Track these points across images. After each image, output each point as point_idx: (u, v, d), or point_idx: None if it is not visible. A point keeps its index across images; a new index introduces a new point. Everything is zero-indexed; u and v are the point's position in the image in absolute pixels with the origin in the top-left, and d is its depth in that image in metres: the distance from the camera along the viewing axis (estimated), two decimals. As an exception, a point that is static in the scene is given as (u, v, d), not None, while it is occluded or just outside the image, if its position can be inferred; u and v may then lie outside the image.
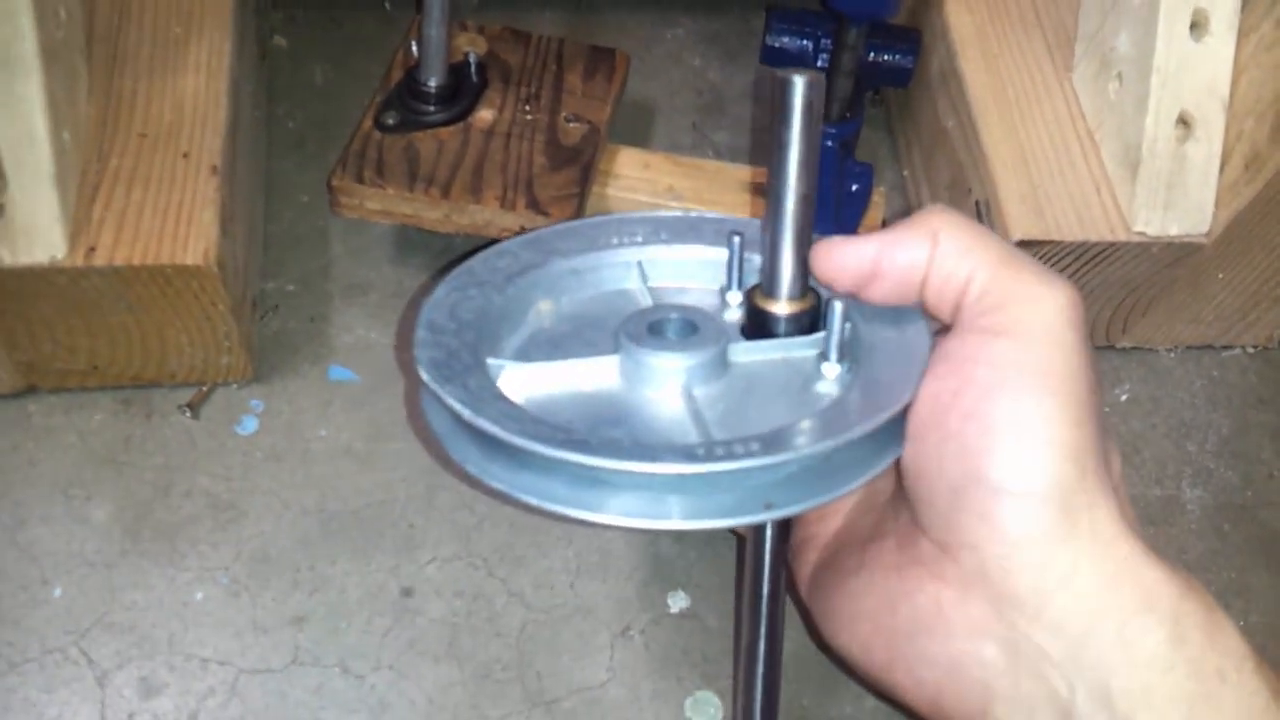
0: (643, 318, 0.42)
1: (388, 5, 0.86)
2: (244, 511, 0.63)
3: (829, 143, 0.69)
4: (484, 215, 0.63)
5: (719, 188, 0.69)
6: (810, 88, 0.38)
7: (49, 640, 0.59)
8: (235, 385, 0.67)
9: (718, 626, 0.61)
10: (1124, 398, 0.71)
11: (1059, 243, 0.62)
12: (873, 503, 0.43)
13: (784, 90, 0.38)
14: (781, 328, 0.42)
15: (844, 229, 0.66)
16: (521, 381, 0.41)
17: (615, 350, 0.41)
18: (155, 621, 0.59)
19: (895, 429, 0.38)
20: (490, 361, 0.41)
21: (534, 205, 0.63)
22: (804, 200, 0.40)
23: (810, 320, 0.42)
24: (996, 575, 0.34)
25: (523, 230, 0.63)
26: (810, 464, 0.37)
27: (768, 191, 0.40)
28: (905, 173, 0.79)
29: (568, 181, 0.64)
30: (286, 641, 0.59)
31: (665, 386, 0.40)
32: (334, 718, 0.57)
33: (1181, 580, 0.34)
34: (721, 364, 0.41)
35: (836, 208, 0.66)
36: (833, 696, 0.58)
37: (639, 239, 0.46)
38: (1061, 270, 0.64)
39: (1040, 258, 0.63)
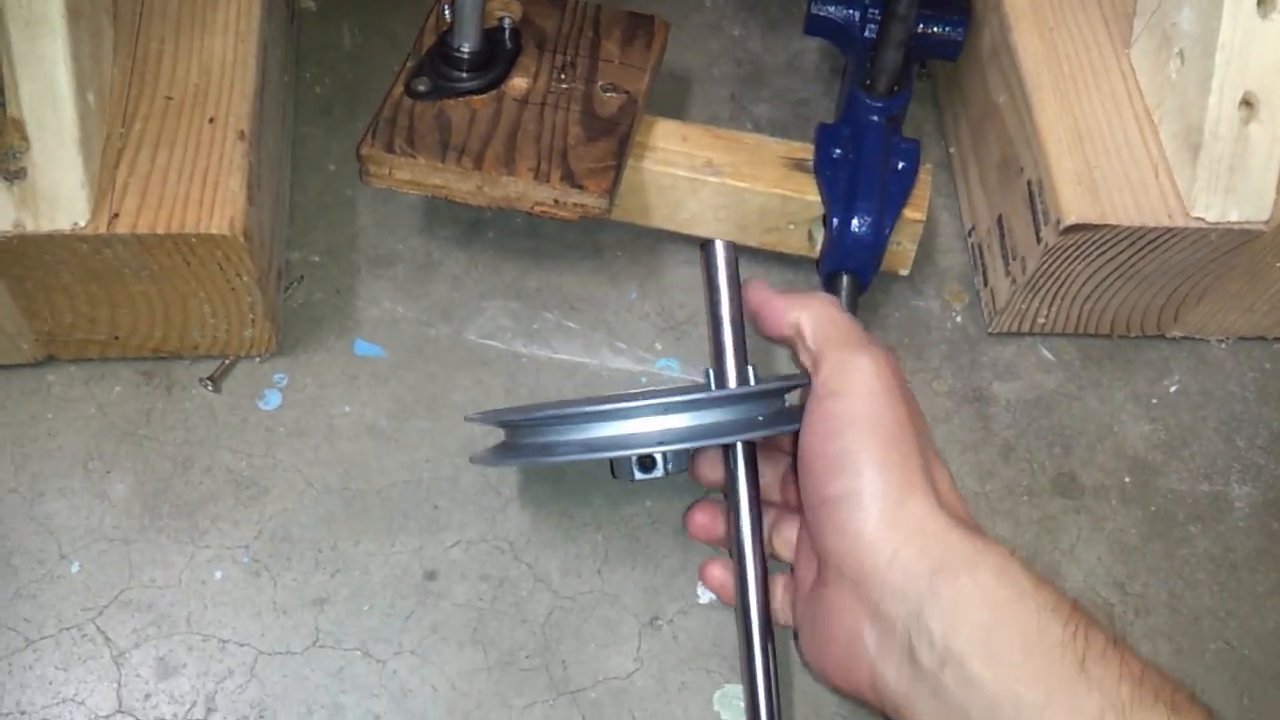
0: None
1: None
2: (266, 489, 0.61)
3: (875, 117, 0.66)
4: (517, 187, 0.61)
5: (758, 162, 0.67)
6: (728, 249, 0.51)
7: (66, 617, 0.57)
8: (258, 358, 0.65)
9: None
10: (1173, 389, 0.69)
11: (1114, 227, 0.60)
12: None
13: (706, 254, 0.52)
14: None
15: (891, 206, 0.64)
16: None
17: None
18: (174, 600, 0.58)
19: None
20: None
21: (569, 178, 0.61)
22: (737, 340, 0.52)
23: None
24: (852, 568, 0.45)
25: (556, 204, 0.61)
26: (769, 409, 0.51)
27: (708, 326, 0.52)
28: (952, 149, 0.76)
29: (604, 154, 0.62)
30: (307, 623, 0.58)
31: None
32: (354, 702, 0.56)
33: (979, 540, 0.44)
34: None
35: (883, 185, 0.64)
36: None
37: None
38: (1115, 256, 0.62)
39: (1094, 242, 0.61)
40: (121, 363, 0.64)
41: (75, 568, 0.58)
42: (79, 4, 0.55)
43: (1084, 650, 0.41)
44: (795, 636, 0.52)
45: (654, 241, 0.71)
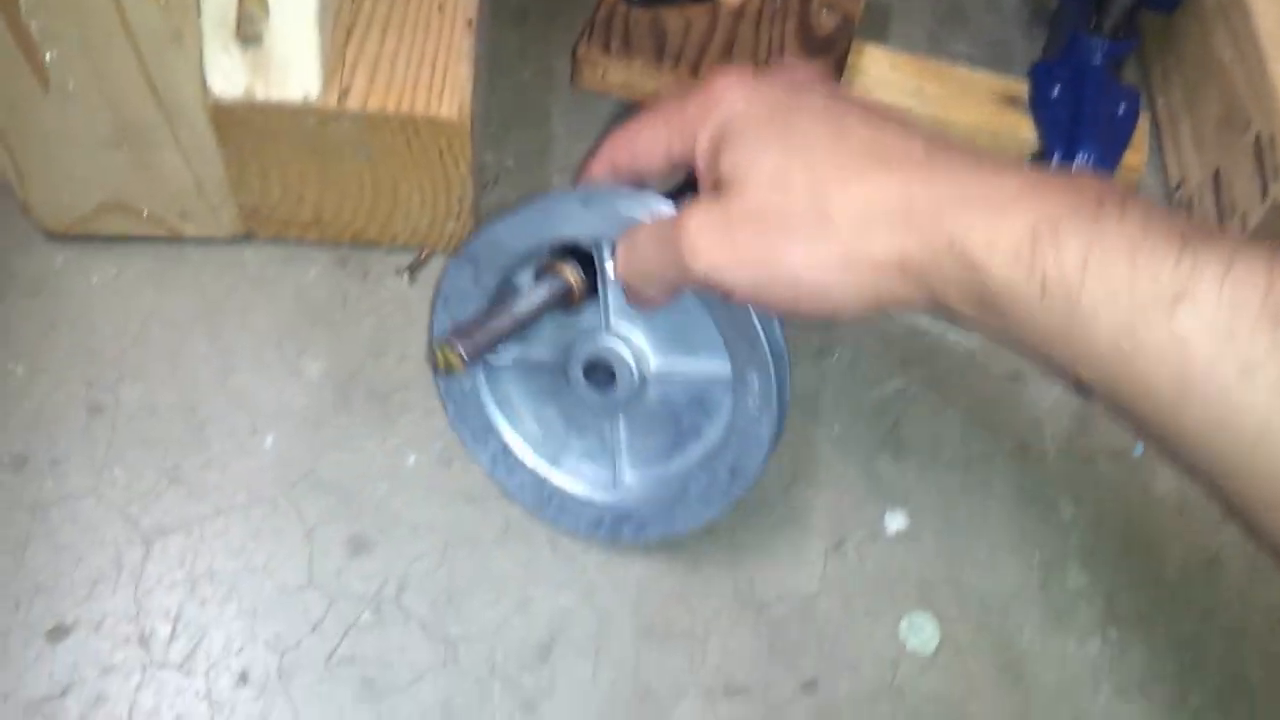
0: None
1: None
2: (458, 381, 0.61)
3: (1098, 60, 0.64)
4: (732, 98, 0.60)
5: (968, 95, 0.65)
6: None
7: (257, 490, 0.58)
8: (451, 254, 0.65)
9: (936, 549, 0.58)
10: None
11: (1351, 185, 0.58)
12: None
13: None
14: None
15: (1113, 149, 0.62)
16: None
17: None
18: (364, 483, 0.58)
19: None
20: None
21: (786, 92, 0.60)
22: None
23: None
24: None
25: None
26: None
27: None
28: (1160, 101, 0.74)
29: (823, 70, 0.61)
30: (497, 514, 0.58)
31: None
32: (542, 594, 0.56)
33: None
34: None
35: (1105, 128, 0.62)
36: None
37: None
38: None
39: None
40: (318, 248, 0.64)
41: (268, 442, 0.59)
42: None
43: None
44: None
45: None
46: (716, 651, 0.56)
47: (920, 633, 0.56)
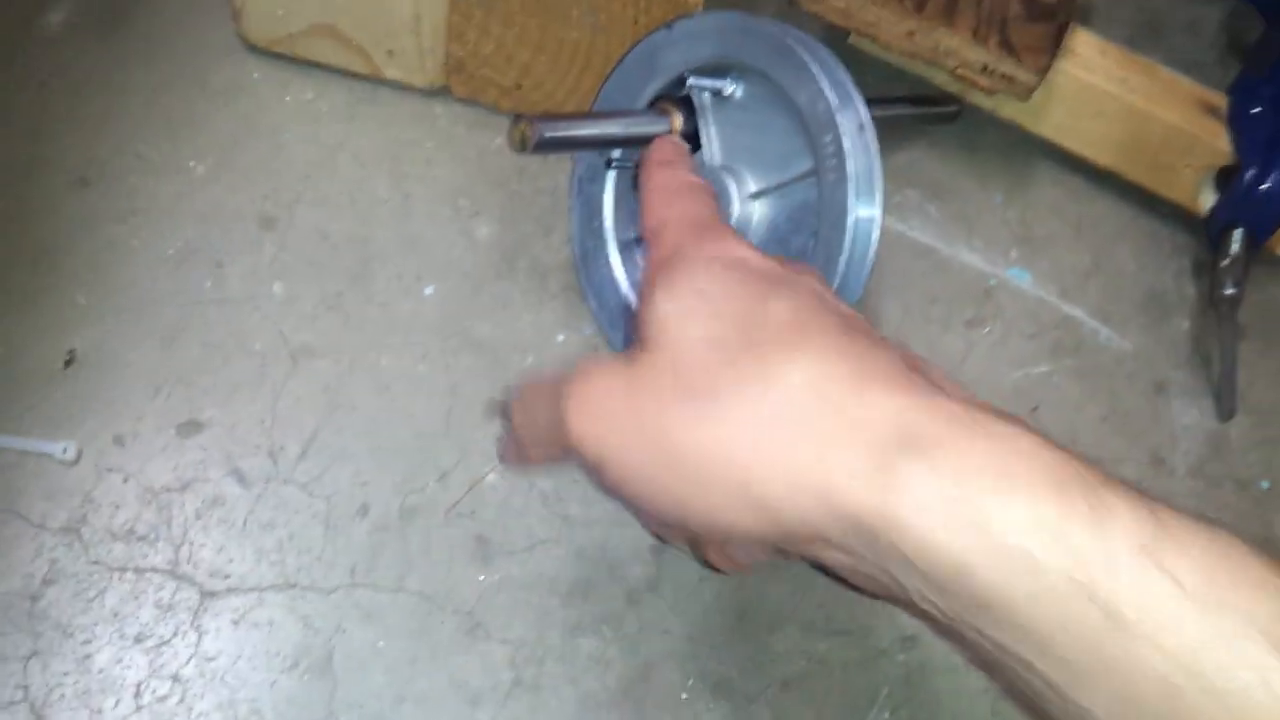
0: None
1: None
2: (620, 270, 0.61)
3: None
4: (950, 42, 0.60)
5: (1171, 95, 0.65)
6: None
7: (411, 334, 0.58)
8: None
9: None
10: None
11: None
12: None
13: None
14: None
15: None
16: None
17: None
18: (513, 350, 0.58)
19: None
20: None
21: (1006, 45, 0.59)
22: None
23: None
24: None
25: (985, 69, 0.60)
26: None
27: None
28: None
29: (1043, 36, 0.61)
30: (642, 404, 0.58)
31: None
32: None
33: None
34: None
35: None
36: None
37: None
38: None
39: None
40: (506, 118, 0.64)
41: (428, 290, 0.59)
42: None
43: (1106, 585, 0.29)
44: None
45: (1028, 155, 0.69)
46: (822, 589, 0.56)
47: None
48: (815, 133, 0.48)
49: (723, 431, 0.33)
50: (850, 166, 0.47)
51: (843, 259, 0.48)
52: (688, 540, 0.42)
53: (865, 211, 0.48)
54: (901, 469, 0.31)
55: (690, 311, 0.36)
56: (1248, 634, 0.28)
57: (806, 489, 0.32)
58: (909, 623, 0.55)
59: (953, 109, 0.67)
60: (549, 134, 0.47)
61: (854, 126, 0.47)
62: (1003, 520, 0.30)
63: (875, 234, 0.48)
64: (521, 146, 0.47)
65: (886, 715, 0.54)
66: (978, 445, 0.31)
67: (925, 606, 0.32)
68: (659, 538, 0.43)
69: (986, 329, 0.65)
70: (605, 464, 0.35)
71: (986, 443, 0.31)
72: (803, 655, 0.54)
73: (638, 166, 0.47)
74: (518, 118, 0.46)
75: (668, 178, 0.43)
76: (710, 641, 0.54)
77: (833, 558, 0.34)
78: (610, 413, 0.35)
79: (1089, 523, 0.30)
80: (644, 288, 0.37)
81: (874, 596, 0.35)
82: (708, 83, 0.51)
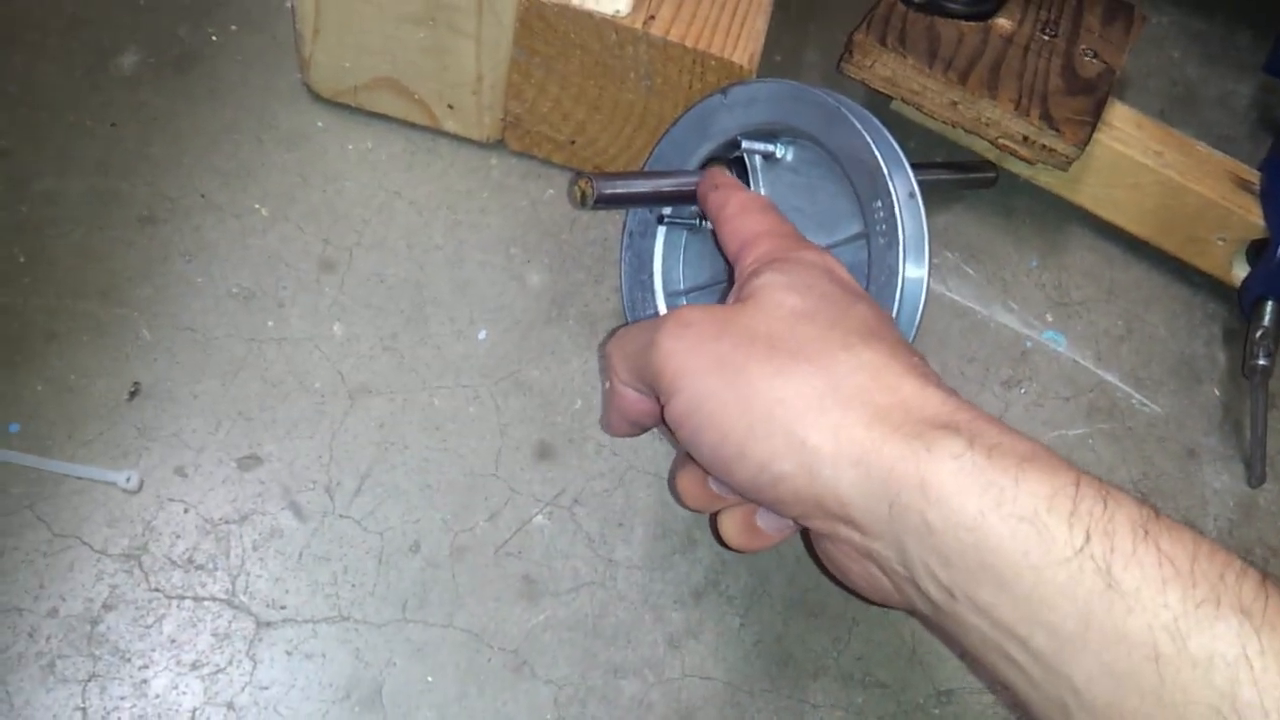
0: None
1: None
2: (668, 322, 0.63)
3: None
4: (993, 114, 0.62)
5: (1206, 169, 0.67)
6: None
7: (463, 376, 0.60)
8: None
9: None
10: None
11: None
12: None
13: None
14: None
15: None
16: None
17: None
18: (562, 394, 0.60)
19: None
20: None
21: (1047, 118, 0.61)
22: None
23: None
24: (816, 527, 0.40)
25: (1025, 140, 0.62)
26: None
27: None
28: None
29: (1083, 109, 0.63)
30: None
31: None
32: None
33: (917, 437, 0.37)
34: None
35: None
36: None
37: None
38: None
39: None
40: (558, 170, 0.66)
41: (481, 334, 0.61)
42: None
43: (1107, 553, 0.34)
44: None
45: (1063, 220, 0.71)
46: (860, 641, 0.57)
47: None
48: (866, 198, 0.49)
49: (793, 387, 0.38)
50: (901, 232, 0.48)
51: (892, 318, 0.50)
52: (717, 504, 0.46)
53: (914, 273, 0.49)
54: (939, 441, 0.36)
55: (791, 287, 0.41)
56: (1230, 609, 0.32)
57: (850, 450, 0.37)
58: (946, 678, 0.56)
59: (990, 175, 0.69)
60: (608, 190, 0.50)
61: (905, 193, 0.49)
62: (1023, 486, 0.35)
63: (923, 295, 0.50)
64: (582, 203, 0.49)
65: (922, 766, 0.55)
66: (1007, 437, 0.36)
67: (926, 586, 0.37)
68: (684, 504, 0.47)
69: (1022, 389, 0.66)
70: (680, 389, 0.40)
71: (1014, 438, 0.37)
72: (840, 707, 0.55)
73: (700, 208, 0.50)
74: (578, 175, 0.49)
75: (746, 197, 0.49)
76: (750, 689, 0.55)
77: (847, 537, 0.39)
78: (699, 340, 0.40)
79: (1100, 502, 0.34)
80: (744, 273, 0.44)
81: (869, 601, 0.41)
82: (759, 146, 0.53)
